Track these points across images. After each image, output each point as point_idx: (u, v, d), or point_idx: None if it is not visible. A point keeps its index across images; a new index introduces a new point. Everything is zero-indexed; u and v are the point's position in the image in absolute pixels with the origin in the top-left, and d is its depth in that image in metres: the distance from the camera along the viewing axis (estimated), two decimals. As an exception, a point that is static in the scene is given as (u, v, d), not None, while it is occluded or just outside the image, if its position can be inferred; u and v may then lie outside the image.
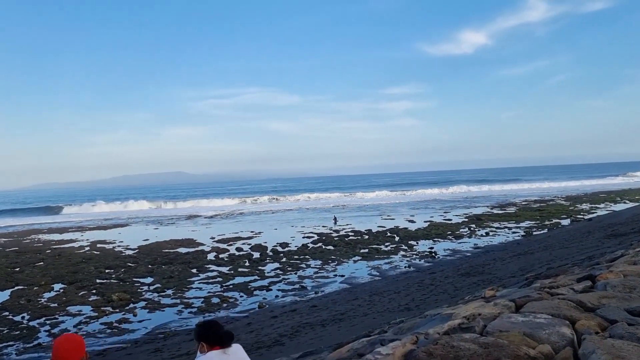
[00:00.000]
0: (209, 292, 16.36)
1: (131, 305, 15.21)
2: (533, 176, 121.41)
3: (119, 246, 29.58)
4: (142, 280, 18.97)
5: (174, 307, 14.78)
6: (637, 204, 38.33)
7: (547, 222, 30.29)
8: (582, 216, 32.25)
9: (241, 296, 15.70)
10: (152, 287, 17.53)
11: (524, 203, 47.75)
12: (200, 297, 15.67)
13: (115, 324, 13.21)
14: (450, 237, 26.57)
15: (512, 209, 41.29)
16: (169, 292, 16.72)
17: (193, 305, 14.75)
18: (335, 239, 28.10)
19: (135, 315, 14.05)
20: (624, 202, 41.76)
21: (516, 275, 13.43)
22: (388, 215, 41.55)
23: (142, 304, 15.33)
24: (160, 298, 15.92)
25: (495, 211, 40.46)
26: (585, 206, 40.24)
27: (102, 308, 14.93)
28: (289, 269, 19.83)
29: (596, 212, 34.39)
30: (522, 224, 30.26)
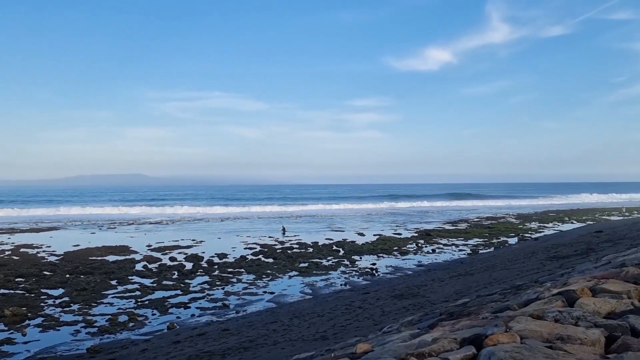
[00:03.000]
0: (119, 309, 14.72)
1: (26, 322, 13.43)
2: (490, 192, 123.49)
3: (44, 251, 27.35)
4: (50, 291, 17.11)
5: (73, 325, 13.09)
6: (583, 224, 38.70)
7: (494, 240, 29.89)
8: (529, 235, 32.07)
9: (153, 314, 14.15)
10: (58, 301, 15.73)
11: (476, 220, 47.72)
12: (107, 314, 14.02)
13: (-6, 346, 11.45)
14: (396, 252, 25.68)
15: (463, 226, 41.01)
16: (75, 307, 14.98)
17: (95, 324, 13.10)
18: (278, 251, 26.78)
19: (23, 335, 12.30)
20: (572, 222, 42.17)
21: (450, 299, 12.49)
22: (339, 227, 40.55)
23: (39, 320, 13.56)
24: (62, 314, 14.18)
25: (446, 227, 40.06)
26: (534, 225, 40.37)
27: (-11, 325, 13.09)
28: (217, 283, 18.37)
29: (543, 232, 34.36)
30: (470, 241, 29.75)
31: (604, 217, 47.81)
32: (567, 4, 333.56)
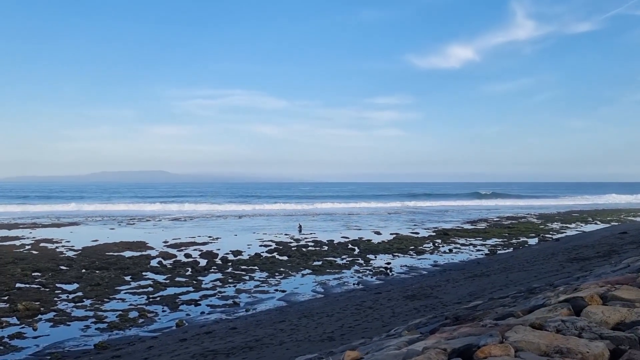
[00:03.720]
0: (130, 305, 14.74)
1: (38, 317, 13.52)
2: (512, 191, 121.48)
3: (63, 246, 27.71)
4: (65, 286, 17.24)
5: (84, 320, 13.13)
6: (607, 225, 37.65)
7: (514, 241, 29.23)
8: (550, 236, 31.28)
9: (164, 311, 14.12)
10: (71, 296, 15.83)
11: (496, 219, 46.86)
12: (118, 310, 14.04)
13: (5, 340, 11.52)
14: (412, 252, 25.29)
15: (482, 225, 40.30)
16: (87, 302, 15.05)
17: (105, 320, 13.12)
18: (293, 248, 26.64)
19: (35, 330, 12.37)
20: (595, 223, 41.05)
21: (463, 301, 12.15)
22: (356, 226, 40.24)
23: (51, 315, 13.65)
24: (73, 309, 14.25)
25: (465, 226, 39.40)
26: (555, 225, 39.41)
27: (2, 318, 13.21)
28: (230, 280, 18.29)
29: (565, 232, 33.50)
30: (488, 242, 29.15)
31: (629, 217, 46.48)
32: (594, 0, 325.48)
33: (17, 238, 31.29)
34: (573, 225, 39.79)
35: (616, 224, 39.29)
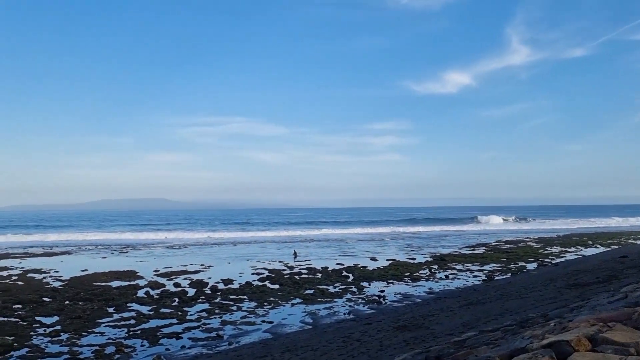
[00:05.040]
0: (108, 339, 14.05)
1: (10, 354, 12.84)
2: (511, 214, 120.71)
3: (50, 277, 27.01)
4: (44, 319, 16.55)
5: (57, 357, 12.44)
6: (607, 248, 36.99)
7: (512, 266, 28.55)
8: (549, 260, 30.61)
9: (142, 345, 13.44)
10: (49, 330, 15.15)
11: (494, 243, 46.16)
12: (94, 345, 13.36)
13: (-31, 380, 10.87)
14: (407, 278, 24.61)
15: (481, 250, 39.61)
16: (65, 336, 14.36)
17: (79, 356, 12.44)
18: (286, 276, 25.95)
19: (3, 368, 11.72)
20: (595, 247, 40.37)
21: (455, 332, 11.51)
22: (352, 252, 39.55)
23: (24, 351, 12.96)
24: (48, 344, 13.57)
25: (463, 251, 38.72)
26: (555, 249, 38.70)
27: (-29, 356, 12.55)
28: (216, 311, 17.61)
29: (565, 256, 32.83)
30: (486, 267, 28.47)
31: (630, 240, 45.80)
32: (587, 26, 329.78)
33: (5, 268, 30.58)
34: (573, 249, 39.10)
35: (616, 247, 38.64)
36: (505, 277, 24.42)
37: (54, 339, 14.16)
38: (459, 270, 27.23)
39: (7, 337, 13.89)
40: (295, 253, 37.45)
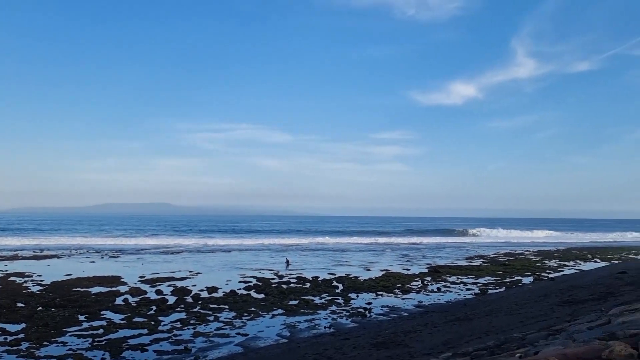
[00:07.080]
0: (69, 349, 13.27)
1: (-38, 364, 12.10)
2: (512, 226, 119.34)
3: (32, 281, 26.29)
4: (10, 327, 15.77)
5: (10, 369, 11.69)
6: (607, 263, 35.98)
7: (507, 279, 27.62)
8: (546, 274, 29.65)
9: (103, 357, 12.63)
10: (10, 338, 14.38)
11: (492, 256, 45.19)
12: (53, 357, 12.58)
13: None
14: (398, 290, 23.74)
15: (478, 262, 38.67)
16: (24, 346, 13.59)
17: (33, 368, 11.67)
18: (273, 285, 25.15)
19: (-51, 379, 10.96)
20: (595, 261, 39.35)
21: (433, 352, 10.69)
22: (346, 262, 38.67)
23: (-23, 362, 12.22)
24: (4, 354, 12.80)
25: (460, 263, 37.81)
26: (553, 263, 37.72)
27: None
28: (191, 321, 16.80)
29: (563, 271, 31.88)
30: (480, 280, 27.55)
31: (630, 255, 44.72)
32: (594, 40, 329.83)
33: (-12, 271, 29.88)
34: (571, 262, 38.11)
35: (616, 262, 37.61)
36: (498, 291, 23.54)
37: (12, 348, 13.38)
38: (452, 283, 26.34)
39: (-38, 346, 13.13)
40: (287, 261, 36.63)
